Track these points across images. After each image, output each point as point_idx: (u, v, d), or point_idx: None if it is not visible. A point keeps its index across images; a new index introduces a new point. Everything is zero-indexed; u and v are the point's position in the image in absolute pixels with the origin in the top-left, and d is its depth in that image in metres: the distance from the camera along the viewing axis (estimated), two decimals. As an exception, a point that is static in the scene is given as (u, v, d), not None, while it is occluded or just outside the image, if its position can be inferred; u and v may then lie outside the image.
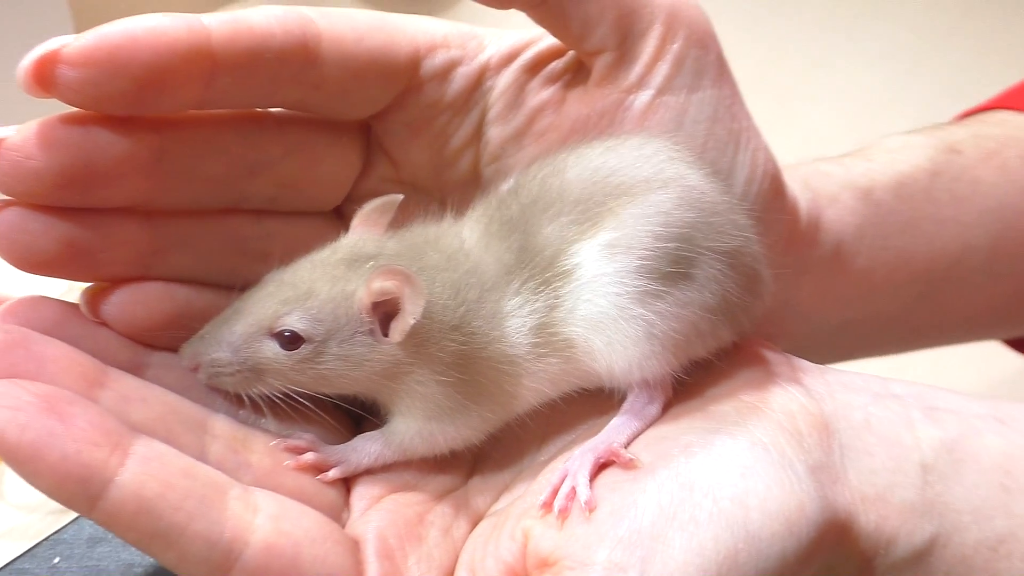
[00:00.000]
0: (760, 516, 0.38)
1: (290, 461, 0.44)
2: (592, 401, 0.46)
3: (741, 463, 0.40)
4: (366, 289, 0.43)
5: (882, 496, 0.42)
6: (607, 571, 0.37)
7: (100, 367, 0.42)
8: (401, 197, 0.48)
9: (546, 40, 0.49)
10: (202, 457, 0.42)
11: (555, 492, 0.41)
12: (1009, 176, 0.63)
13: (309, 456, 0.44)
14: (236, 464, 0.43)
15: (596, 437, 0.43)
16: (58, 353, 0.41)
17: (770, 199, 0.50)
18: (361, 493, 0.45)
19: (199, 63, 0.41)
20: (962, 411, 0.46)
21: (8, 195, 0.42)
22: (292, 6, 0.44)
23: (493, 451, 0.47)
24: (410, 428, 0.45)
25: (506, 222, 0.46)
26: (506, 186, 0.47)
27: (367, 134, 0.50)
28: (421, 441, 0.45)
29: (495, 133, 0.49)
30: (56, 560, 0.54)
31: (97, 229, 0.43)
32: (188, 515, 0.38)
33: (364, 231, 0.47)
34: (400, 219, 0.48)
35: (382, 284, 0.42)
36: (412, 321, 0.42)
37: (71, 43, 0.39)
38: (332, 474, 0.45)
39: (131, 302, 0.45)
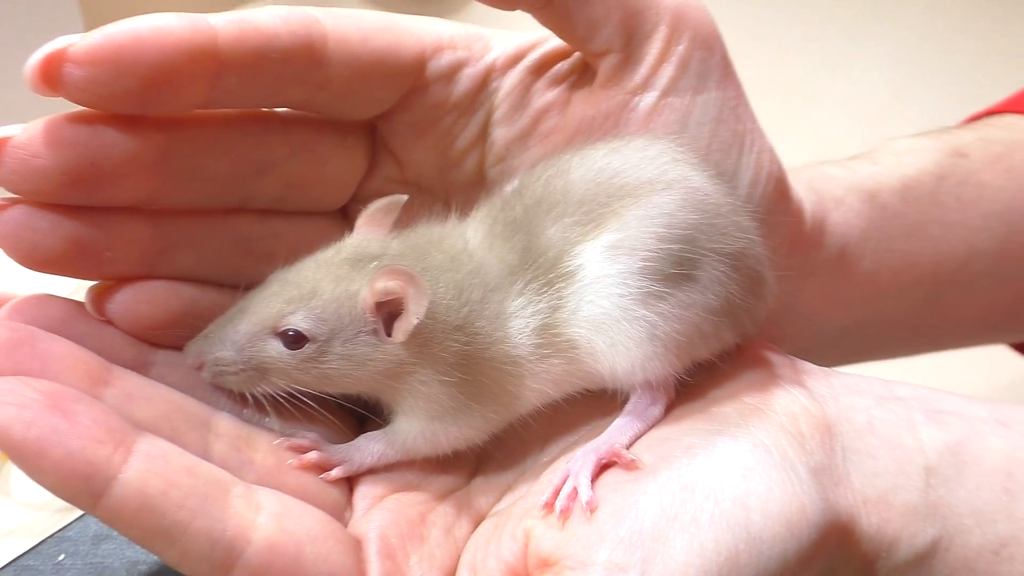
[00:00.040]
0: (761, 518, 0.38)
1: (293, 460, 0.44)
2: (595, 402, 0.46)
3: (743, 465, 0.40)
4: (370, 289, 0.43)
5: (884, 498, 0.42)
6: (607, 571, 0.37)
7: (105, 365, 0.42)
8: (405, 197, 0.48)
9: (552, 41, 0.49)
10: (205, 455, 0.42)
11: (557, 492, 0.41)
12: (1016, 180, 0.63)
13: (312, 455, 0.45)
14: (239, 462, 0.43)
15: (598, 438, 0.43)
16: (63, 351, 0.41)
17: (775, 201, 0.50)
18: (364, 492, 0.45)
19: (205, 63, 0.41)
20: (965, 414, 0.46)
21: (14, 193, 0.42)
22: (298, 6, 0.44)
23: (496, 451, 0.47)
24: (413, 428, 0.45)
25: (510, 223, 0.46)
26: (510, 187, 0.47)
27: (372, 134, 0.50)
28: (424, 441, 0.45)
29: (500, 134, 0.49)
30: (61, 557, 0.54)
31: (103, 227, 0.43)
32: (191, 513, 0.38)
33: (368, 231, 0.47)
34: (405, 219, 0.48)
35: (386, 284, 0.42)
36: (415, 321, 0.42)
37: (77, 42, 0.40)
38: (335, 473, 0.45)
39: (136, 300, 0.45)
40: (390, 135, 0.49)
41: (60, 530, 0.55)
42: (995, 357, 0.82)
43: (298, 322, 0.44)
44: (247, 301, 0.45)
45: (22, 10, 1.02)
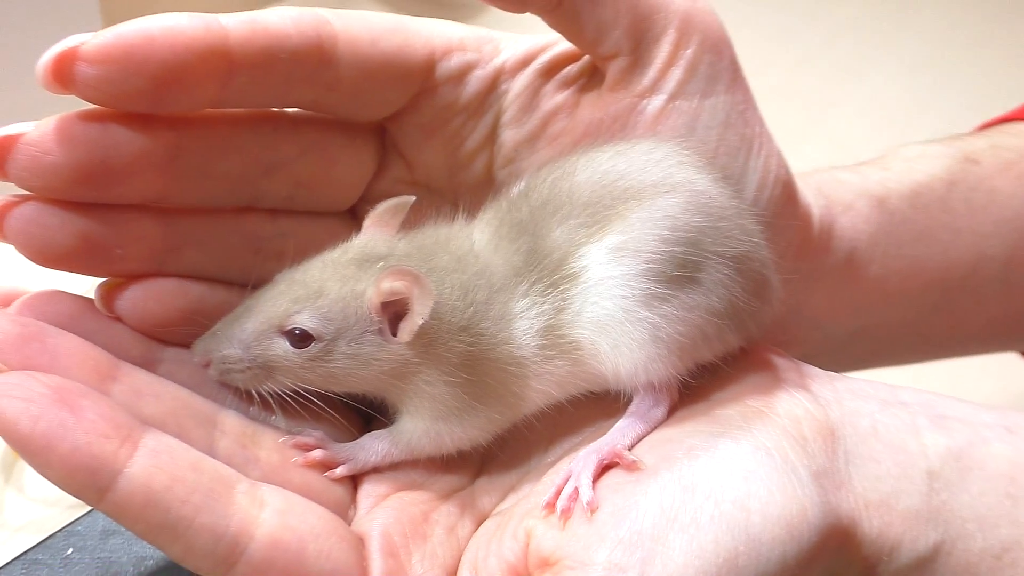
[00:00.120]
0: (761, 520, 0.38)
1: (298, 457, 0.45)
2: (599, 404, 0.47)
3: (744, 467, 0.40)
4: (376, 289, 0.43)
5: (886, 502, 0.42)
6: (607, 571, 0.37)
7: (113, 361, 0.43)
8: (413, 199, 0.48)
9: (561, 45, 0.50)
10: (211, 452, 0.42)
11: (559, 493, 0.41)
12: None
13: (317, 453, 0.45)
14: (244, 459, 0.43)
15: (601, 439, 0.43)
16: (72, 347, 0.41)
17: (782, 205, 0.50)
18: (368, 491, 0.45)
19: (216, 62, 0.42)
20: (970, 419, 0.46)
21: (26, 190, 0.42)
22: (309, 7, 0.45)
23: (500, 452, 0.47)
24: (417, 428, 0.45)
25: (516, 224, 0.46)
26: (516, 189, 0.47)
27: (382, 135, 0.50)
28: (428, 441, 0.46)
29: (509, 136, 0.50)
30: (69, 551, 0.54)
31: (113, 225, 0.44)
32: (195, 508, 0.38)
33: (376, 232, 0.47)
34: (413, 220, 0.48)
35: (391, 284, 0.43)
36: (420, 321, 0.43)
37: (89, 41, 0.40)
38: (339, 471, 0.45)
39: (145, 298, 0.45)
40: (399, 136, 0.50)
41: (68, 525, 0.55)
42: (1008, 365, 0.82)
43: (304, 321, 0.44)
44: (255, 300, 0.45)
45: (42, 10, 1.03)
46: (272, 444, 0.45)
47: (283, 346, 0.44)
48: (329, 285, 0.44)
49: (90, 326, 0.44)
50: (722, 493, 0.39)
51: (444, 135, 0.49)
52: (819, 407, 0.44)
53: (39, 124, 0.41)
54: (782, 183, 0.50)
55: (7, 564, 0.53)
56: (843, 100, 2.00)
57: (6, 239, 0.43)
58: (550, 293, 0.45)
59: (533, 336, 0.45)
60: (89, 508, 0.56)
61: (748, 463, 0.40)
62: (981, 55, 2.11)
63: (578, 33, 0.47)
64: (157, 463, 0.38)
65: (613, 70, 0.48)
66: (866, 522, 0.42)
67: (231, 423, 0.45)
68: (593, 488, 0.40)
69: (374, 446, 0.46)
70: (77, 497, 0.38)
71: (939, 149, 0.64)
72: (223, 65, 0.42)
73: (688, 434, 0.43)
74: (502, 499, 0.46)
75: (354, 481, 0.46)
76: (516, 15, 0.47)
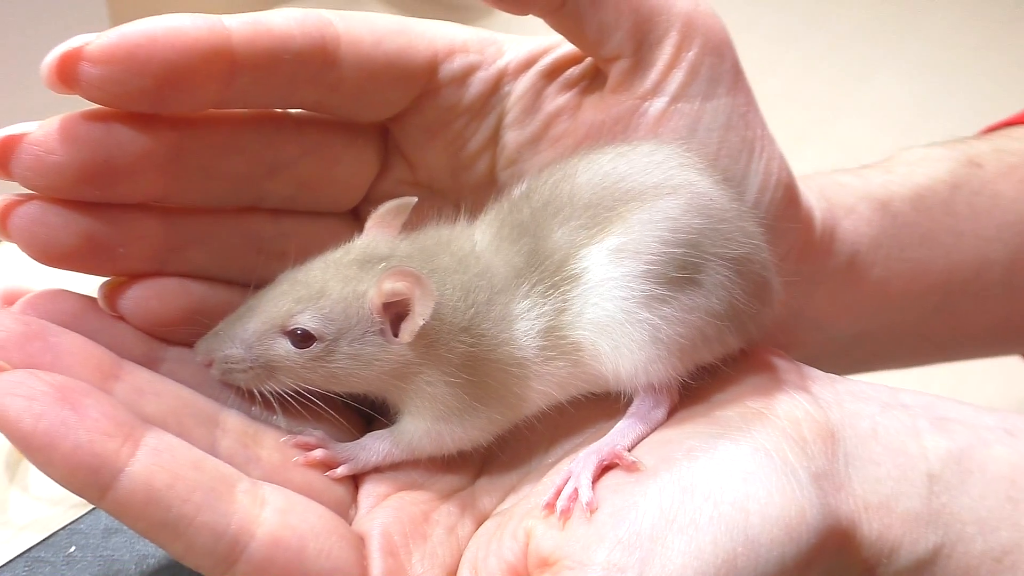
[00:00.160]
0: (760, 521, 0.38)
1: (299, 457, 0.45)
2: (600, 405, 0.47)
3: (743, 468, 0.40)
4: (377, 290, 0.43)
5: (886, 504, 0.42)
6: (606, 571, 0.37)
7: (115, 360, 0.43)
8: (415, 200, 0.48)
9: (564, 47, 0.50)
10: (212, 451, 0.42)
11: (558, 493, 0.41)
12: None
13: (318, 453, 0.45)
14: (246, 458, 0.43)
15: (601, 440, 0.43)
16: (74, 345, 0.42)
17: (783, 207, 0.50)
18: (368, 491, 0.45)
19: (219, 63, 0.42)
20: (971, 422, 0.46)
21: (30, 189, 0.42)
22: (312, 9, 0.45)
23: (501, 452, 0.48)
24: (418, 428, 0.46)
25: (517, 226, 0.46)
26: (518, 190, 0.48)
27: (385, 136, 0.50)
28: (429, 441, 0.46)
29: (512, 137, 0.50)
30: (72, 549, 0.54)
31: (116, 224, 0.44)
32: (196, 506, 0.38)
33: (378, 232, 0.47)
34: (415, 221, 0.49)
35: (393, 285, 0.43)
36: (422, 322, 0.43)
37: (93, 41, 0.40)
38: (340, 471, 0.45)
39: (148, 297, 0.45)
40: (402, 137, 0.50)
41: (71, 523, 0.56)
42: (1013, 368, 0.81)
43: (306, 321, 0.44)
44: (257, 300, 0.46)
45: (50, 11, 1.03)
46: (273, 443, 0.45)
47: (285, 346, 0.44)
48: (331, 285, 0.44)
49: (93, 325, 0.44)
50: (721, 494, 0.39)
51: (447, 136, 0.50)
52: (819, 409, 0.44)
53: (43, 124, 0.41)
54: (783, 186, 0.50)
55: (10, 562, 0.53)
56: (849, 103, 1.99)
57: (10, 238, 0.43)
58: (551, 294, 0.45)
59: (534, 337, 0.45)
60: (92, 506, 0.56)
61: (747, 464, 0.40)
62: (987, 59, 2.10)
63: (580, 35, 0.47)
64: (158, 461, 0.38)
65: (615, 72, 0.48)
66: (865, 524, 0.42)
67: (233, 422, 0.45)
68: (593, 489, 0.41)
69: (375, 446, 0.46)
70: (79, 495, 0.38)
71: (942, 152, 0.64)
72: (226, 66, 0.42)
73: (688, 435, 0.43)
74: (503, 499, 0.46)
75: (355, 481, 0.46)
76: (519, 17, 0.47)
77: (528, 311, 0.45)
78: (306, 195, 0.49)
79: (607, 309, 0.44)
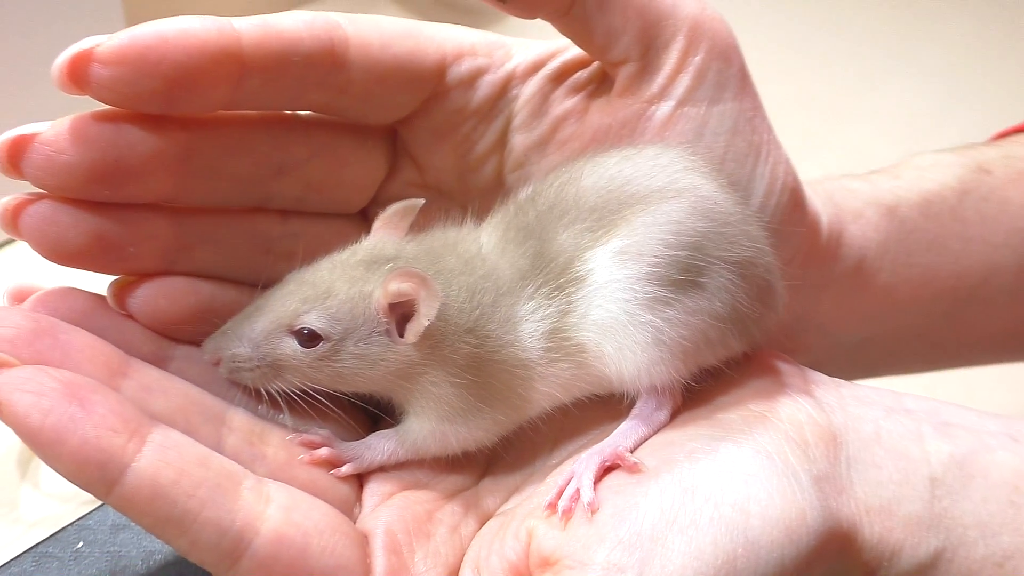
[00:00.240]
0: (760, 523, 0.39)
1: (305, 455, 0.45)
2: (604, 407, 0.47)
3: (744, 470, 0.40)
4: (383, 290, 0.44)
5: (888, 508, 0.42)
6: (605, 571, 0.37)
7: (123, 357, 0.43)
8: (422, 201, 0.49)
9: (571, 51, 0.50)
10: (218, 448, 0.43)
11: (560, 493, 0.41)
12: None
13: (323, 451, 0.45)
14: (251, 456, 0.44)
15: (603, 441, 0.43)
16: (83, 342, 0.42)
17: (789, 212, 0.51)
18: (373, 489, 0.46)
19: (228, 65, 0.42)
20: (975, 427, 0.46)
21: (40, 188, 0.43)
22: (321, 11, 0.45)
23: (505, 453, 0.48)
24: (423, 428, 0.46)
25: (522, 228, 0.46)
26: (524, 193, 0.48)
27: (393, 139, 0.51)
28: (434, 441, 0.46)
29: (519, 140, 0.50)
30: (80, 545, 0.55)
31: (125, 223, 0.44)
32: (201, 502, 0.39)
33: (385, 234, 0.48)
34: (423, 223, 0.49)
35: (399, 286, 0.43)
36: (427, 323, 0.43)
37: (104, 42, 0.41)
38: (345, 470, 0.45)
39: (156, 296, 0.46)
40: (410, 140, 0.50)
41: (79, 519, 0.56)
42: (1021, 375, 0.81)
43: (313, 321, 0.44)
44: (264, 299, 0.46)
45: (66, 12, 1.03)
46: (279, 442, 0.45)
47: (292, 345, 0.45)
48: (338, 286, 0.45)
49: (102, 323, 0.44)
50: (722, 496, 0.39)
51: (455, 139, 0.50)
52: (822, 412, 0.44)
53: (54, 124, 0.42)
54: (789, 190, 0.50)
55: (18, 556, 0.54)
56: (860, 109, 1.99)
57: (21, 236, 0.43)
58: (556, 296, 0.45)
59: (538, 339, 0.45)
60: (100, 503, 0.57)
61: (748, 466, 0.40)
62: (999, 65, 2.10)
63: (588, 39, 0.48)
64: (164, 457, 0.39)
65: (622, 76, 0.48)
66: (867, 527, 0.42)
67: (239, 420, 0.45)
68: (594, 489, 0.41)
69: (380, 445, 0.46)
70: (86, 490, 0.39)
71: (951, 158, 0.64)
72: (235, 67, 0.42)
73: (690, 437, 0.43)
74: (506, 500, 0.47)
75: (360, 480, 0.46)
76: (528, 21, 0.47)
77: (533, 313, 0.45)
78: (314, 196, 0.49)
79: (610, 311, 0.44)
